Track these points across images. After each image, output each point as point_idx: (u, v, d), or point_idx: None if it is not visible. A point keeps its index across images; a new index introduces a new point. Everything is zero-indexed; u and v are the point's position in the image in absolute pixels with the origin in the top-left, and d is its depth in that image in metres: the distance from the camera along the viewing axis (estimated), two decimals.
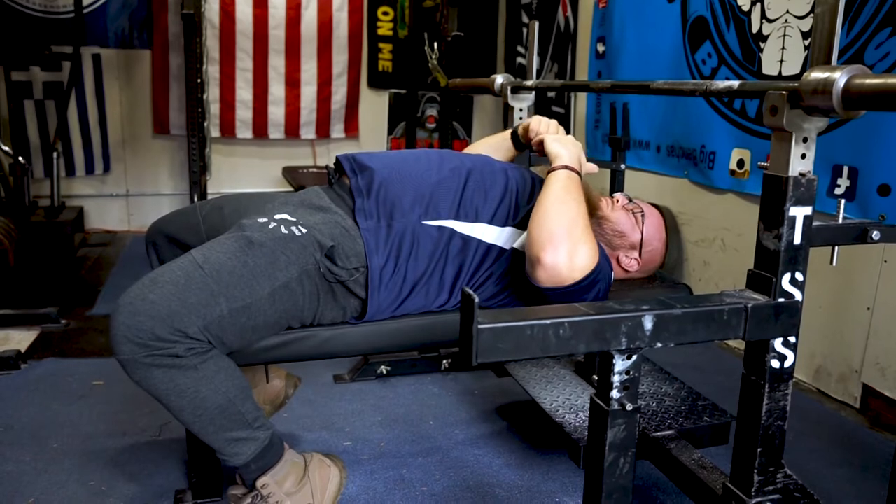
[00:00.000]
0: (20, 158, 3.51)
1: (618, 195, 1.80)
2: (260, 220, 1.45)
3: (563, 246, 1.36)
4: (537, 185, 1.64)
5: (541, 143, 1.66)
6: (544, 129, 1.72)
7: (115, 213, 4.79)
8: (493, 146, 1.91)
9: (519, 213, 1.58)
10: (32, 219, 3.66)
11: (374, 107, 5.12)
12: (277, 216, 1.46)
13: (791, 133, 1.07)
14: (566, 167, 1.53)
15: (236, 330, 1.35)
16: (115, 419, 2.08)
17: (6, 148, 3.57)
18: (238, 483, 1.49)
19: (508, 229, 1.56)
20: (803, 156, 1.09)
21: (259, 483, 1.44)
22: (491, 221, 1.55)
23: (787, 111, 1.05)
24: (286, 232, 1.42)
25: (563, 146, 1.59)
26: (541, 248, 1.37)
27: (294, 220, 1.46)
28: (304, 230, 1.43)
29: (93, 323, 2.94)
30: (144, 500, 1.69)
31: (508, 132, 1.91)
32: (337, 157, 1.64)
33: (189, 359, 1.29)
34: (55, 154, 4.05)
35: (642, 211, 1.74)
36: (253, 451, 1.41)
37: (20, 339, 2.72)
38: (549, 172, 1.54)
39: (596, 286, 1.42)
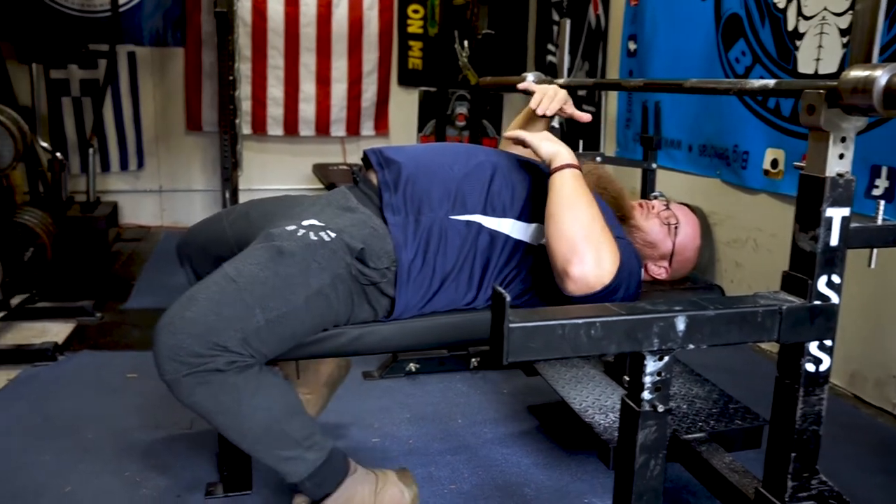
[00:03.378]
0: (58, 154, 3.58)
1: (654, 201, 1.75)
2: (288, 227, 1.44)
3: (587, 255, 1.34)
4: None
5: (523, 142, 1.57)
6: (543, 106, 1.67)
7: (149, 208, 4.86)
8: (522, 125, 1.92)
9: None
10: (69, 214, 3.73)
11: (404, 104, 5.13)
12: (305, 222, 1.46)
13: (829, 133, 1.05)
14: (568, 166, 1.47)
15: (275, 340, 1.35)
16: (149, 412, 2.11)
17: (45, 144, 3.64)
18: (303, 497, 1.48)
19: (535, 225, 1.54)
20: (841, 156, 1.07)
21: None
22: (519, 217, 1.53)
23: (824, 110, 1.03)
24: (315, 238, 1.41)
25: (555, 143, 1.52)
26: (566, 262, 1.35)
27: (322, 224, 1.45)
28: (332, 235, 1.43)
29: (126, 317, 2.99)
30: (176, 492, 1.72)
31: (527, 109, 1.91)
32: (364, 152, 1.64)
33: (229, 374, 1.29)
34: (91, 150, 4.12)
35: (677, 222, 1.70)
36: (305, 471, 1.40)
37: (57, 331, 2.77)
38: (551, 174, 1.48)
39: (623, 286, 1.40)
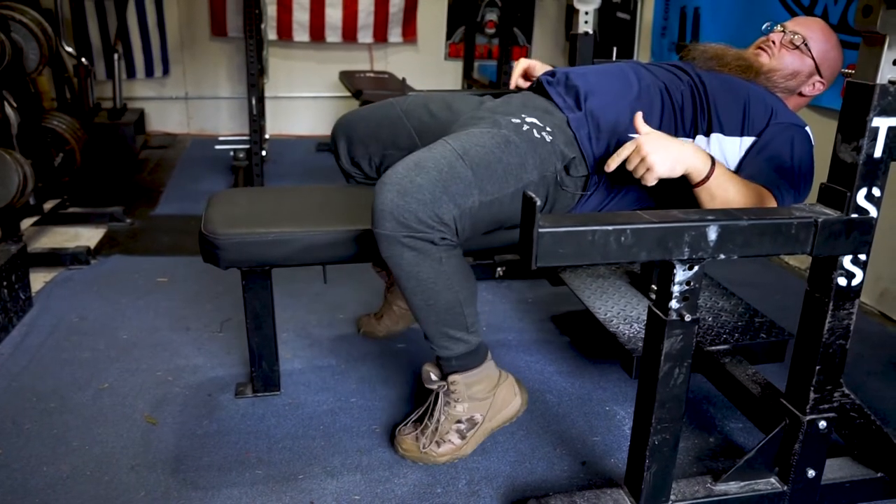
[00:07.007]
0: (83, 60, 3.55)
1: (771, 35, 1.68)
2: (513, 120, 1.50)
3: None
4: (721, 84, 1.60)
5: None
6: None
7: (175, 115, 4.85)
8: None
9: (708, 119, 1.56)
10: (96, 120, 3.73)
11: (433, 10, 4.98)
12: (528, 119, 1.51)
13: (885, 36, 1.00)
14: (705, 178, 1.36)
15: (474, 222, 1.40)
16: (179, 314, 2.16)
17: (70, 49, 3.61)
18: (434, 364, 1.55)
19: (702, 138, 1.56)
20: (895, 62, 1.03)
21: (451, 378, 1.50)
22: (689, 133, 1.56)
23: (882, 11, 0.97)
24: (538, 136, 1.48)
25: (686, 152, 1.36)
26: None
27: (542, 125, 1.51)
28: (550, 138, 1.49)
29: (156, 223, 3.02)
30: (208, 391, 1.78)
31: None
32: (538, 79, 1.67)
33: (441, 249, 1.35)
34: (116, 56, 4.08)
35: (803, 37, 1.64)
36: (459, 351, 1.48)
37: (89, 236, 2.83)
38: (694, 188, 1.38)
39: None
